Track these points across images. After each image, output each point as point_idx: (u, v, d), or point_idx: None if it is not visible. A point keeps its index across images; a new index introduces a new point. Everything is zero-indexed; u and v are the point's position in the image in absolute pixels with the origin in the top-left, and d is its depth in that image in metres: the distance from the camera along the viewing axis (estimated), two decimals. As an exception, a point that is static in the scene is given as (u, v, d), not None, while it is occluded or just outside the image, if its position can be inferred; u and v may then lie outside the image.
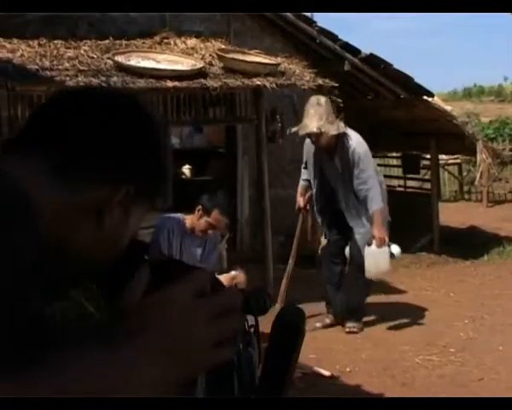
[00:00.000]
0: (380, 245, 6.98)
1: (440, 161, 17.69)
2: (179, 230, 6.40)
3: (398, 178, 14.17)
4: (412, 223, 11.92)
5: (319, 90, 7.98)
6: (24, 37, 8.03)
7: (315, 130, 6.86)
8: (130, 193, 1.12)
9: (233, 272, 6.93)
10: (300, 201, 7.52)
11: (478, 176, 11.73)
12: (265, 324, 1.48)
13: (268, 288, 8.06)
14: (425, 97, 10.53)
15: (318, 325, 7.33)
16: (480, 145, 10.89)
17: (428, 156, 12.47)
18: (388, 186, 14.81)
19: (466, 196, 18.54)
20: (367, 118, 12.03)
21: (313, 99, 7.17)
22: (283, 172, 10.46)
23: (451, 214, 14.91)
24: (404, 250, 11.42)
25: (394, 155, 14.13)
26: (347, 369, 6.22)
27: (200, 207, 6.27)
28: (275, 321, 1.13)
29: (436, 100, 10.80)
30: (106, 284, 1.31)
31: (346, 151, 6.99)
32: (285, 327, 1.21)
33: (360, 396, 5.60)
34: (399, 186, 14.01)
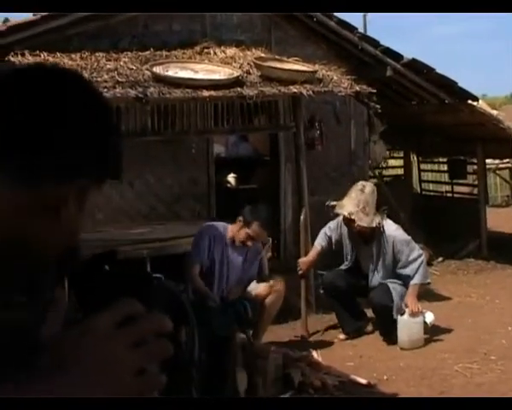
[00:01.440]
0: (414, 315, 6.93)
1: (491, 166, 17.44)
2: (221, 238, 6.50)
3: (446, 183, 13.98)
4: (460, 229, 11.79)
5: (357, 96, 7.94)
6: (67, 50, 8.19)
7: (345, 214, 7.05)
8: (86, 186, 1.13)
9: (272, 281, 6.97)
10: (304, 268, 7.52)
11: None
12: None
13: (309, 296, 8.04)
14: (470, 102, 10.38)
15: (342, 336, 7.36)
16: (527, 149, 10.68)
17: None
18: (436, 192, 14.74)
19: (518, 201, 18.23)
20: (412, 123, 11.95)
21: (360, 184, 7.38)
22: (327, 179, 10.44)
23: (502, 220, 14.68)
24: (451, 256, 11.34)
25: (441, 160, 13.94)
26: (384, 377, 6.18)
27: (241, 218, 6.36)
28: (210, 336, 1.12)
29: (481, 104, 10.65)
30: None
31: (383, 242, 7.13)
32: (217, 341, 1.21)
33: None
34: (447, 192, 13.84)
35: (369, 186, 7.29)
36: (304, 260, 7.54)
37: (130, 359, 0.99)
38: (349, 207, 7.04)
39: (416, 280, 7.03)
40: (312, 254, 7.54)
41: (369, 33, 11.30)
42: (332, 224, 7.53)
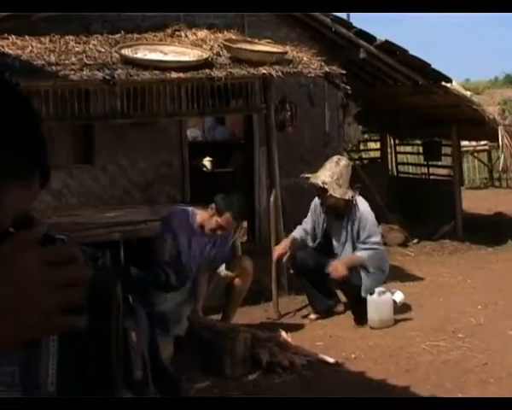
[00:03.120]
0: (333, 273, 6.99)
1: (468, 148, 17.54)
2: (188, 223, 6.45)
3: (423, 166, 14.02)
4: (436, 211, 11.85)
5: (327, 77, 7.94)
6: (37, 34, 8.13)
7: (319, 183, 7.09)
8: None
9: (240, 262, 6.98)
10: (280, 253, 7.42)
11: (501, 161, 11.53)
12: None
13: (281, 277, 8.07)
14: (443, 83, 10.41)
15: (313, 316, 7.39)
16: (501, 130, 10.71)
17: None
18: (412, 174, 14.78)
19: (496, 183, 18.33)
20: (387, 105, 11.98)
21: (335, 157, 7.46)
22: (302, 161, 10.45)
23: (479, 202, 14.78)
24: (426, 238, 11.40)
25: (418, 142, 13.97)
26: (353, 356, 6.22)
27: (213, 206, 6.30)
28: (88, 292, 1.10)
29: (455, 85, 10.67)
30: None
31: (353, 216, 7.18)
32: (98, 297, 1.20)
33: (362, 383, 5.59)
34: (423, 174, 13.88)
35: (344, 160, 7.35)
36: (277, 248, 7.48)
37: (48, 298, 0.99)
38: (323, 177, 7.08)
39: (360, 253, 7.09)
40: (286, 242, 7.45)
41: (353, 20, 11.21)
42: (309, 212, 7.53)
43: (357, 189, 7.33)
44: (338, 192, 7.04)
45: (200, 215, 6.44)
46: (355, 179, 11.06)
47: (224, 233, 6.53)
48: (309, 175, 7.34)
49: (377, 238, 7.19)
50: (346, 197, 7.08)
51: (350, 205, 7.15)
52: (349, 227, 7.18)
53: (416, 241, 11.27)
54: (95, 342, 1.23)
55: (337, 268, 6.98)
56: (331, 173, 7.09)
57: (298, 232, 7.51)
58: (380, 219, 10.89)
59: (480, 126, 11.07)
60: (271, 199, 7.94)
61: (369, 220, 7.14)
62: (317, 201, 7.41)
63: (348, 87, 8.12)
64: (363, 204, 7.21)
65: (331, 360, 6.07)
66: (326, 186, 7.04)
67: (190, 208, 6.69)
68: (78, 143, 9.21)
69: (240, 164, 11.58)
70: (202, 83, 7.54)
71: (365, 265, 7.10)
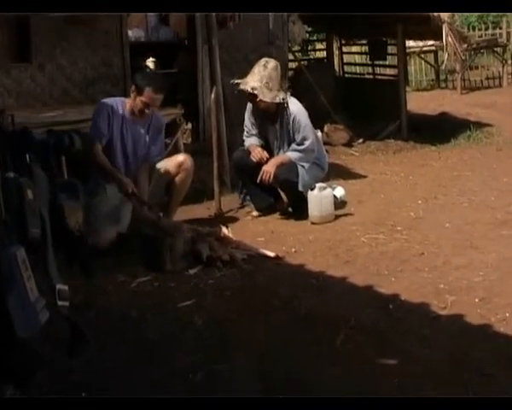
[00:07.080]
0: (261, 178, 7.02)
1: (415, 49, 17.54)
2: (119, 112, 6.43)
3: (369, 66, 13.97)
4: (381, 111, 11.89)
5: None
6: None
7: (248, 89, 7.00)
8: None
9: (180, 157, 6.94)
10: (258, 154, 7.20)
11: (445, 59, 11.56)
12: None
13: (224, 176, 8.06)
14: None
15: (255, 213, 7.41)
16: (445, 28, 10.69)
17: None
18: (358, 74, 14.75)
19: (442, 85, 18.43)
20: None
21: (263, 60, 7.26)
22: (246, 61, 10.30)
23: (425, 102, 14.89)
24: (371, 138, 11.47)
25: (364, 42, 13.88)
26: (293, 249, 6.25)
27: (133, 87, 6.29)
28: None
29: (399, -18, 10.53)
30: None
31: (286, 119, 7.08)
32: None
33: (301, 275, 5.64)
34: (369, 74, 13.86)
35: (272, 62, 7.19)
36: (257, 154, 7.21)
37: None
38: (252, 82, 7.02)
39: (290, 154, 7.08)
40: (254, 147, 7.26)
41: None
42: (246, 118, 7.43)
43: (289, 90, 7.26)
44: (268, 96, 6.98)
45: (128, 102, 6.44)
46: (300, 80, 11.03)
47: (157, 121, 6.57)
48: (239, 81, 7.24)
49: (311, 139, 7.11)
50: (277, 100, 7.02)
51: (282, 108, 7.09)
52: (283, 130, 7.14)
53: (360, 141, 11.32)
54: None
55: (266, 173, 7.00)
56: (260, 77, 7.01)
57: (254, 140, 7.37)
58: (325, 119, 10.97)
59: (426, 25, 11.04)
60: (212, 96, 7.85)
61: (302, 121, 7.07)
62: (250, 106, 7.33)
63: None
64: (295, 106, 7.13)
65: (271, 253, 6.10)
66: (255, 92, 6.98)
67: (119, 98, 6.67)
68: (13, 41, 8.89)
69: (184, 65, 11.38)
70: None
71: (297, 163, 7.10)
